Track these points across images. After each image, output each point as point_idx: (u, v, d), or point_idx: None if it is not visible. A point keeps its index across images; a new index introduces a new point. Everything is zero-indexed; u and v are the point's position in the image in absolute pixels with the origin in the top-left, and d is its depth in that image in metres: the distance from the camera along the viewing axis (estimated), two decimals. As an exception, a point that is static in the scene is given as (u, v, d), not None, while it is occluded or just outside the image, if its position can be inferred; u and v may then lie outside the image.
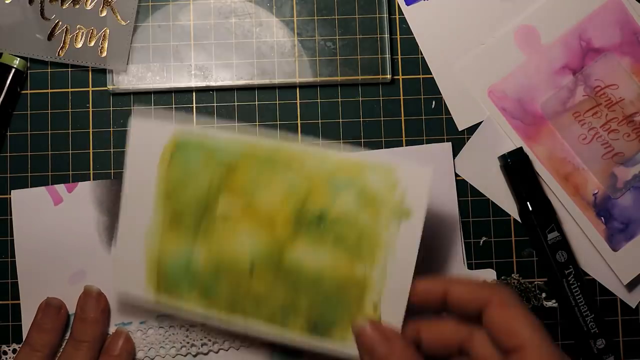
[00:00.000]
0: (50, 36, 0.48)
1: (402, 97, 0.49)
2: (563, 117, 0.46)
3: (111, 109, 0.49)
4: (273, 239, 0.41)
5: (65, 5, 0.47)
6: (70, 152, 0.48)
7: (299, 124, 0.49)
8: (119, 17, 0.48)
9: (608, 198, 0.46)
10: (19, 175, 0.48)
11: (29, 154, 0.48)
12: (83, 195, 0.47)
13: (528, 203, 0.46)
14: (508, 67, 0.47)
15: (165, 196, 0.42)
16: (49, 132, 0.48)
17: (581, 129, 0.46)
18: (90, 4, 0.48)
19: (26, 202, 0.47)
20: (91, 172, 0.48)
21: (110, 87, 0.48)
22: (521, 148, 0.46)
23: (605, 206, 0.46)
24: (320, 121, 0.49)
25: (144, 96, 0.49)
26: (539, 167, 0.46)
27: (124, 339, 0.45)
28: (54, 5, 0.47)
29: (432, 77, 0.49)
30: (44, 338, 0.44)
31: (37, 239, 0.47)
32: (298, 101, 0.49)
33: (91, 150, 0.48)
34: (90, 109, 0.49)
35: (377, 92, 0.49)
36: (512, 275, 0.47)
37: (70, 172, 0.48)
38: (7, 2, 0.47)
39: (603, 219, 0.46)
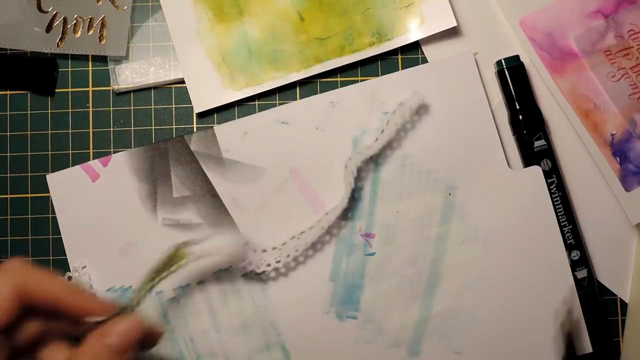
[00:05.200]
0: (49, 28, 0.47)
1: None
2: (593, 54, 0.47)
3: (111, 108, 0.48)
4: None
5: (62, -3, 0.47)
6: (71, 152, 0.48)
7: None
8: (115, 4, 0.47)
9: (625, 141, 0.47)
10: (19, 175, 0.48)
11: (29, 153, 0.48)
12: (119, 167, 0.47)
13: (518, 109, 0.47)
14: (543, 1, 0.48)
15: None
16: (49, 132, 0.48)
17: (611, 67, 0.47)
18: (86, -7, 0.47)
19: (63, 183, 0.47)
20: (91, 173, 0.48)
21: (115, 87, 0.48)
22: (517, 55, 0.47)
23: (621, 148, 0.47)
24: None
25: (145, 93, 0.48)
26: (562, 100, 0.47)
27: None
28: (50, -2, 0.47)
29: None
30: None
31: (81, 218, 0.46)
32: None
33: (91, 150, 0.48)
34: (90, 109, 0.48)
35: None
36: None
37: (70, 173, 0.48)
38: (3, -2, 0.47)
39: (618, 159, 0.47)
